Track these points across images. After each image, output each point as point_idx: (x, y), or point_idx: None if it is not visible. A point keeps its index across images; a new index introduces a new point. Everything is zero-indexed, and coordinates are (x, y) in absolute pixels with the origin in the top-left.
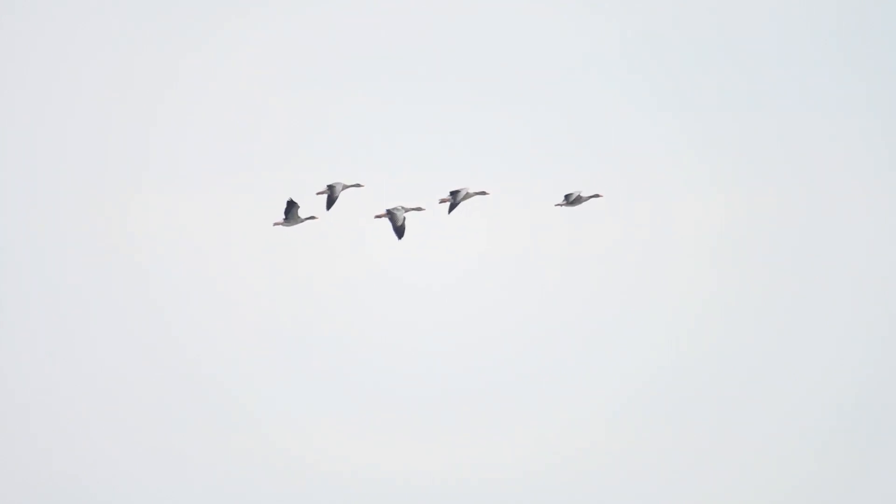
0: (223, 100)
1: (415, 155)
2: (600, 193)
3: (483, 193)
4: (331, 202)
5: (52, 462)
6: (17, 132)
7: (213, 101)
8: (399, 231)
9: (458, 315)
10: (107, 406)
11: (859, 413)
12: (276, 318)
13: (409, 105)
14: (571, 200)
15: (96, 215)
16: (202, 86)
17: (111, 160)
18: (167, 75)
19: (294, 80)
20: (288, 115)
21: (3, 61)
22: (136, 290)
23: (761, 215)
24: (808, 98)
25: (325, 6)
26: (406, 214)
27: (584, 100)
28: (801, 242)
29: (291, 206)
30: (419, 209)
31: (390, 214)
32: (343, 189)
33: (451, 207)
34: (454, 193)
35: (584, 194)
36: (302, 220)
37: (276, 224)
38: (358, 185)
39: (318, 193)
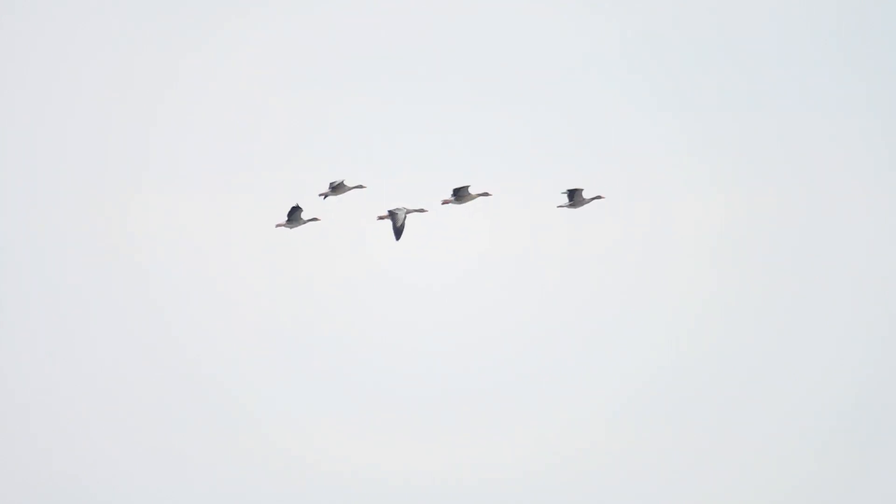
0: (223, 100)
1: (415, 155)
2: (602, 195)
3: (486, 195)
4: (398, 232)
5: (52, 462)
6: (17, 132)
7: (213, 101)
8: (398, 232)
9: (459, 315)
10: (107, 406)
11: (859, 413)
12: (276, 318)
13: (409, 105)
14: (573, 201)
15: (96, 215)
16: (202, 86)
17: (111, 160)
18: (167, 75)
19: (294, 80)
20: (288, 115)
21: (3, 61)
22: (136, 291)
23: (761, 215)
24: (807, 98)
25: (325, 6)
26: (408, 216)
27: (584, 100)
28: (800, 242)
29: (295, 210)
30: (422, 210)
31: (392, 215)
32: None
33: (455, 195)
34: (458, 192)
35: (586, 195)
36: (304, 222)
37: (278, 225)
38: (360, 187)
39: (320, 194)
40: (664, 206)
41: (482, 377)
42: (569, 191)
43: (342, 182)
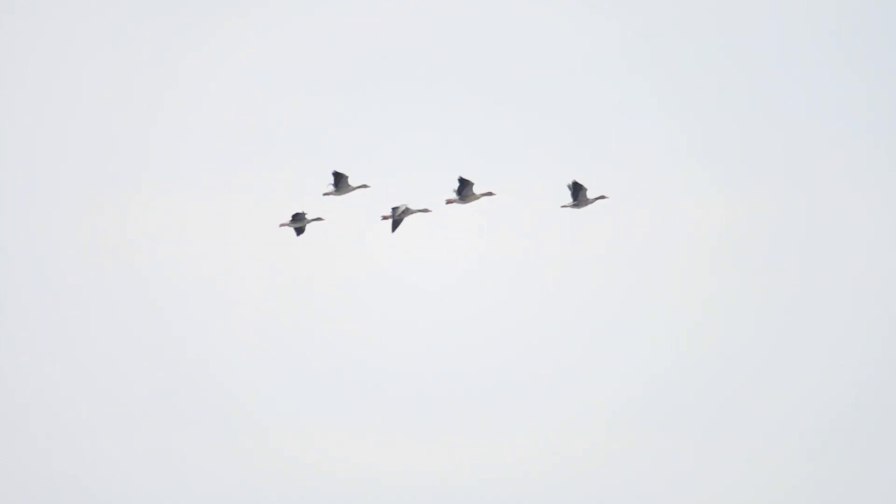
0: (223, 100)
1: (415, 155)
2: (606, 195)
3: (490, 194)
4: (395, 224)
5: (52, 462)
6: (17, 132)
7: (213, 101)
8: (394, 224)
9: (459, 316)
10: (107, 406)
11: (859, 413)
12: (276, 318)
13: (409, 105)
14: (578, 201)
15: (96, 215)
16: (202, 86)
17: (111, 160)
18: (167, 75)
19: (294, 80)
20: (288, 115)
21: (3, 61)
22: (137, 291)
23: (761, 216)
24: (807, 99)
25: (326, 6)
26: (411, 216)
27: (584, 100)
28: (800, 243)
29: (299, 213)
30: (426, 210)
31: (393, 210)
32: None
33: (460, 187)
34: (463, 186)
35: (590, 195)
36: (308, 221)
37: (282, 225)
38: (364, 186)
39: (324, 194)
40: (664, 207)
41: (482, 378)
42: (573, 184)
43: (348, 182)
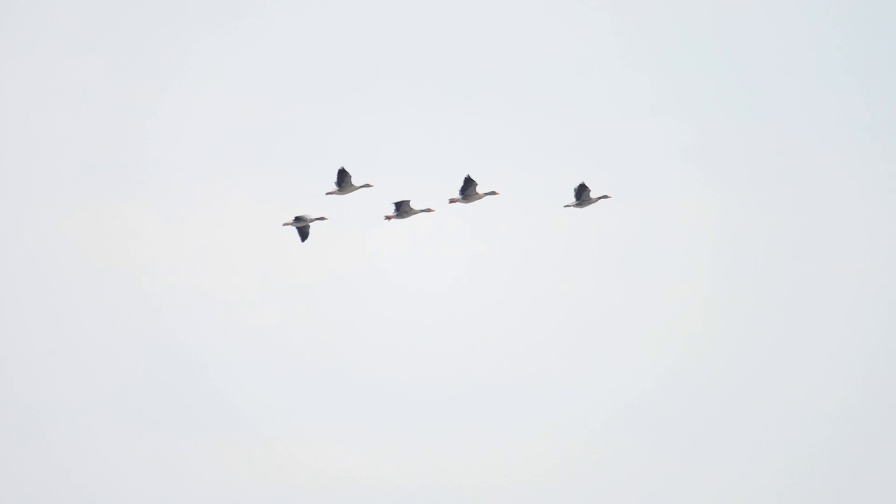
0: (223, 101)
1: (415, 156)
2: (609, 195)
3: (493, 194)
4: (397, 207)
5: (52, 462)
6: (17, 132)
7: (214, 102)
8: (397, 206)
9: (459, 317)
10: (106, 407)
11: (857, 414)
12: (276, 319)
13: (409, 106)
14: (581, 201)
15: (96, 217)
16: (202, 87)
17: (110, 162)
18: (167, 77)
19: (294, 81)
20: (289, 117)
21: (3, 61)
22: (136, 291)
23: (761, 217)
24: (807, 99)
25: (326, 8)
26: (414, 215)
27: (584, 100)
28: (800, 243)
29: (301, 216)
30: (428, 210)
31: (396, 205)
32: (354, 188)
33: (464, 186)
34: (467, 184)
35: (593, 195)
36: (312, 221)
37: (285, 224)
38: (367, 186)
39: (327, 193)
40: (663, 206)
41: (482, 380)
42: (579, 185)
43: (352, 181)
